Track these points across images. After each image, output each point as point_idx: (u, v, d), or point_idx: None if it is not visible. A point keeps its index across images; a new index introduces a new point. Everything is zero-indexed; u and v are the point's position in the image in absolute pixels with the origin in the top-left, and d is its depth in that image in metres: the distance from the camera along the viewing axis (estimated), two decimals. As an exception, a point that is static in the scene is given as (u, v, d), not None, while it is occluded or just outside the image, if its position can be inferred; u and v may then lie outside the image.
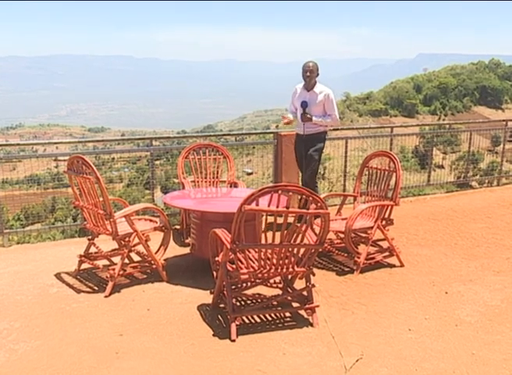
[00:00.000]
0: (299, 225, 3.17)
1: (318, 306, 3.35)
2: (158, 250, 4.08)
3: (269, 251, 3.19)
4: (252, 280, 3.41)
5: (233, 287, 3.39)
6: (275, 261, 3.19)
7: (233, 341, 3.06)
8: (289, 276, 3.52)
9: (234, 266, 3.19)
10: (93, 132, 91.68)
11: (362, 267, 4.16)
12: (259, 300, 3.46)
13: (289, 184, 3.19)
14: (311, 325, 3.27)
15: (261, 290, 3.57)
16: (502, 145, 8.02)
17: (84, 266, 4.09)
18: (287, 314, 3.43)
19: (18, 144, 7.36)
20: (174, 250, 4.59)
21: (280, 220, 3.01)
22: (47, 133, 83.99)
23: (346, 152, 6.48)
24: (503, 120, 8.28)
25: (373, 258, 4.32)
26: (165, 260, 4.07)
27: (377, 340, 3.10)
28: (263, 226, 3.54)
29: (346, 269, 4.24)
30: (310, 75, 4.83)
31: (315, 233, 3.31)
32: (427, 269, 4.26)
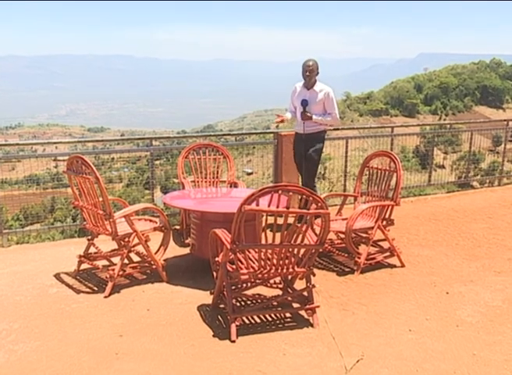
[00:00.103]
0: (299, 225, 3.16)
1: (318, 307, 3.33)
2: (158, 250, 4.06)
3: (269, 251, 3.18)
4: (252, 280, 3.40)
5: (233, 287, 3.38)
6: (275, 261, 3.18)
7: (233, 341, 3.05)
8: (290, 277, 3.51)
9: (234, 267, 3.18)
10: (92, 132, 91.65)
11: (363, 267, 4.14)
12: (259, 300, 3.45)
13: (290, 184, 3.18)
14: (312, 325, 3.26)
15: (261, 290, 3.56)
16: (503, 145, 8.01)
17: (84, 266, 4.08)
18: (287, 314, 3.42)
19: (17, 144, 7.36)
20: (174, 250, 4.58)
21: (280, 220, 3.00)
22: (46, 133, 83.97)
23: (346, 152, 6.47)
24: (504, 120, 8.28)
25: (374, 258, 4.31)
26: (164, 260, 4.06)
27: (377, 340, 3.09)
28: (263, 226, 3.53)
29: (347, 270, 4.23)
30: (310, 74, 4.81)
31: (316, 234, 3.30)
32: (428, 270, 4.25)
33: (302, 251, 3.25)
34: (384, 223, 4.31)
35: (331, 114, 4.91)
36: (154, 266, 3.97)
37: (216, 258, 3.37)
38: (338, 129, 6.62)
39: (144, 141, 6.26)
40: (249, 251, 3.34)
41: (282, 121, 4.96)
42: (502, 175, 8.13)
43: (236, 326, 3.12)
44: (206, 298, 3.60)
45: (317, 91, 4.86)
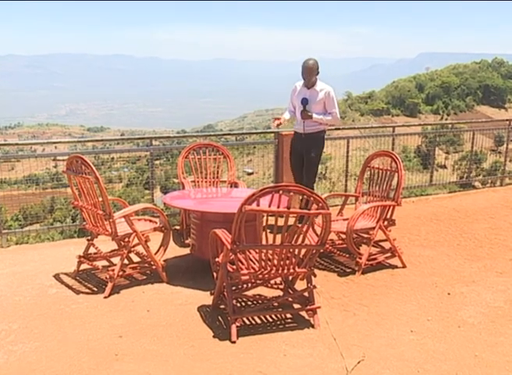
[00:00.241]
0: (300, 225, 3.14)
1: (319, 307, 3.32)
2: (158, 251, 4.05)
3: (270, 251, 3.16)
4: (253, 281, 3.38)
5: (234, 288, 3.37)
6: (275, 262, 3.16)
7: (234, 342, 3.04)
8: (290, 277, 3.49)
9: (234, 267, 3.16)
10: (92, 132, 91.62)
11: (364, 268, 4.13)
12: (260, 301, 3.44)
13: (291, 184, 3.17)
14: (312, 326, 3.25)
15: (261, 291, 3.55)
16: (505, 145, 7.98)
17: (83, 266, 4.06)
18: (288, 315, 3.41)
19: (16, 144, 7.34)
20: (174, 251, 4.57)
21: (281, 221, 2.98)
22: (46, 132, 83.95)
23: (347, 152, 6.45)
24: (507, 120, 8.24)
25: (375, 259, 4.29)
26: (164, 261, 4.04)
27: (379, 341, 3.08)
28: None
29: (348, 270, 4.21)
30: (309, 75, 4.78)
31: (316, 234, 3.28)
32: (429, 270, 4.23)
33: (303, 251, 3.24)
34: (385, 223, 4.30)
35: (331, 113, 4.88)
36: (154, 267, 3.95)
37: (216, 259, 3.35)
38: (339, 128, 6.60)
39: (143, 140, 6.24)
40: (249, 252, 3.32)
41: (280, 124, 4.95)
42: (504, 175, 8.10)
43: (237, 326, 3.11)
44: (206, 298, 3.59)
45: (317, 91, 4.84)
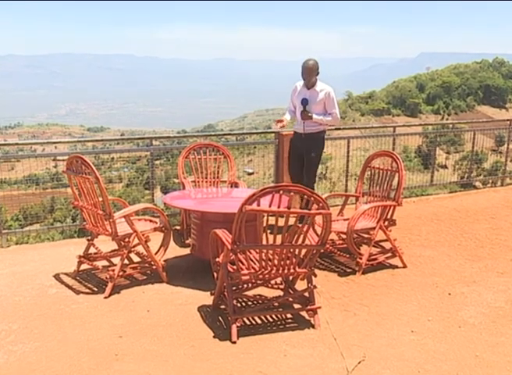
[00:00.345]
0: (300, 225, 3.14)
1: (319, 308, 3.31)
2: (158, 251, 4.04)
3: (270, 251, 3.16)
4: (253, 281, 3.38)
5: (234, 288, 3.36)
6: (276, 262, 3.16)
7: (234, 342, 3.03)
8: (291, 278, 3.48)
9: (235, 267, 3.16)
10: (92, 131, 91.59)
11: (364, 268, 4.12)
12: (260, 301, 3.44)
13: (291, 184, 3.16)
14: (313, 326, 3.24)
15: (262, 291, 3.54)
16: (506, 145, 7.96)
17: (83, 266, 4.05)
18: (288, 315, 3.40)
19: (16, 144, 7.32)
20: (174, 251, 4.56)
21: (281, 221, 2.97)
22: (45, 132, 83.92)
23: (348, 152, 6.44)
24: (507, 120, 8.23)
25: (375, 259, 4.29)
26: (165, 261, 4.04)
27: (379, 341, 3.07)
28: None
29: (348, 271, 4.20)
30: (309, 75, 4.77)
31: (317, 234, 3.28)
32: (430, 271, 4.22)
33: (303, 251, 3.23)
34: (386, 223, 4.29)
35: (331, 114, 4.88)
36: (154, 267, 3.95)
37: (217, 259, 3.35)
38: (339, 128, 6.59)
39: (144, 140, 6.23)
40: (250, 252, 3.31)
41: (284, 126, 4.95)
42: (505, 175, 8.09)
43: (237, 327, 3.10)
44: (206, 298, 3.58)
45: (317, 91, 4.83)
